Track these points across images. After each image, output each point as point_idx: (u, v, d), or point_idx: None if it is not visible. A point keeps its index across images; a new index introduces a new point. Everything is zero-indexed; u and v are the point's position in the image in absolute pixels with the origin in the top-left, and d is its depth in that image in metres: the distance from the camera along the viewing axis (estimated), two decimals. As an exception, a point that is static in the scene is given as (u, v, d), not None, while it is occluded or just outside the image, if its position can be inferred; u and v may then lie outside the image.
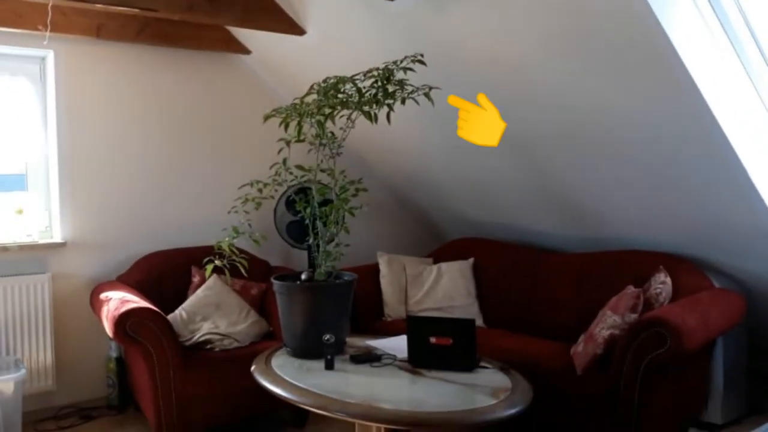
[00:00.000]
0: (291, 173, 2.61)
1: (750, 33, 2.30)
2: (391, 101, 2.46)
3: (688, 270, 2.93)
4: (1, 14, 2.99)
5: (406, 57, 2.47)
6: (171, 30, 3.45)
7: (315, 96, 2.51)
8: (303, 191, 2.93)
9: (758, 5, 2.25)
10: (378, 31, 2.96)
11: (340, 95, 2.47)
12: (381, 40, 2.97)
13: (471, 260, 3.78)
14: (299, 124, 2.50)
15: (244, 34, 3.58)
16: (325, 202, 2.70)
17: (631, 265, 3.08)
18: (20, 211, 3.41)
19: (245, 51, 3.74)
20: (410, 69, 2.47)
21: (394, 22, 2.83)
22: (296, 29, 3.23)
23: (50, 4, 2.88)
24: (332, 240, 2.69)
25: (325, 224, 2.64)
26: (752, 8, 2.25)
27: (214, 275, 3.21)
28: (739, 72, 2.36)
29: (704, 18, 2.22)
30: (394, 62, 2.49)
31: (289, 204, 3.65)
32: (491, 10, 2.46)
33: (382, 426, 2.09)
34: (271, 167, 2.71)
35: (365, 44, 3.08)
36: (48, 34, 3.06)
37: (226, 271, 2.54)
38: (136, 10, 2.95)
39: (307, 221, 2.68)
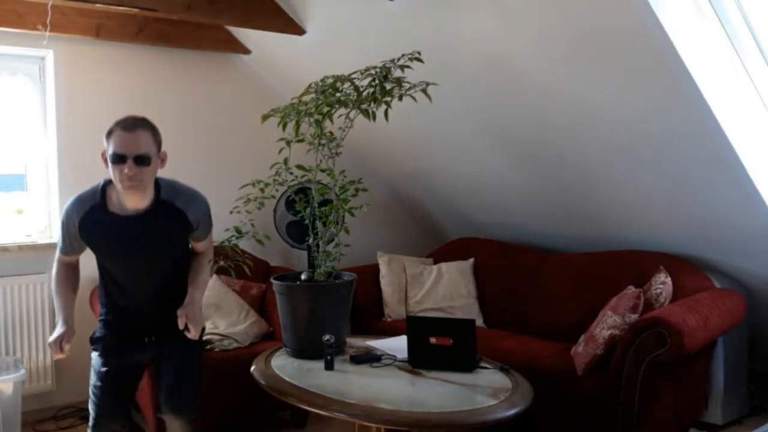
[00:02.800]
0: (291, 173, 2.61)
1: (750, 33, 2.30)
2: (388, 99, 2.45)
3: (689, 270, 2.92)
4: (1, 14, 2.99)
5: (403, 55, 2.47)
6: (170, 30, 3.45)
7: (313, 95, 2.51)
8: (303, 191, 2.93)
9: (758, 5, 2.25)
10: (378, 30, 2.95)
11: (338, 94, 2.47)
12: (381, 40, 2.97)
13: (471, 260, 3.77)
14: (297, 123, 2.50)
15: (244, 34, 3.58)
16: (325, 202, 2.70)
17: (631, 265, 3.08)
18: (20, 211, 3.41)
19: (245, 51, 3.74)
20: (408, 66, 2.47)
21: (394, 21, 2.83)
22: (296, 29, 3.23)
23: (50, 4, 2.88)
24: (332, 240, 2.69)
25: (324, 224, 2.64)
26: (752, 8, 2.25)
27: (214, 275, 3.21)
28: (739, 72, 2.35)
29: (705, 18, 2.21)
30: (392, 60, 2.49)
31: (289, 204, 3.65)
32: (491, 9, 2.46)
33: (382, 426, 2.09)
34: (271, 167, 2.70)
35: (365, 44, 3.07)
36: (48, 34, 3.05)
37: (232, 272, 2.54)
38: (136, 10, 2.95)
39: (306, 221, 2.67)
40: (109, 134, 2.12)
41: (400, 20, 2.80)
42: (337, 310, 2.56)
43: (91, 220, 2.14)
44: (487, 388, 2.19)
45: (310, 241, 2.66)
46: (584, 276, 3.24)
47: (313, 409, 2.08)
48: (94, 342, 2.28)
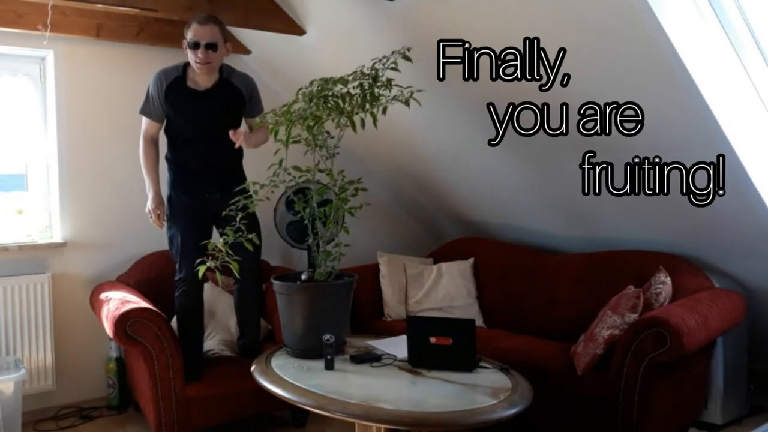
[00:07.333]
0: (289, 174, 2.61)
1: (750, 33, 2.30)
2: (374, 109, 2.44)
3: (688, 270, 2.92)
4: (1, 14, 2.99)
5: (394, 52, 2.45)
6: (170, 30, 3.45)
7: (302, 104, 2.50)
8: (303, 191, 2.93)
9: (758, 5, 2.25)
10: (378, 30, 2.95)
11: (330, 99, 2.45)
12: (381, 40, 2.97)
13: (471, 260, 3.78)
14: (288, 130, 2.49)
15: (244, 34, 3.58)
16: (325, 202, 2.70)
17: (631, 265, 3.08)
18: (20, 211, 3.41)
19: (245, 51, 3.74)
20: (395, 69, 2.45)
21: (395, 21, 2.83)
22: (296, 29, 3.23)
23: (50, 4, 2.88)
24: (332, 240, 2.69)
25: (324, 224, 2.64)
26: (752, 8, 2.25)
27: (210, 282, 3.19)
28: (739, 72, 2.36)
29: (704, 18, 2.22)
30: (380, 60, 2.46)
31: (289, 204, 3.65)
32: (491, 7, 2.45)
33: (382, 426, 2.09)
34: (268, 168, 2.70)
35: (366, 44, 3.07)
36: (48, 34, 3.05)
37: (217, 273, 2.49)
38: (136, 11, 2.95)
39: (306, 221, 2.67)
40: (188, 27, 2.75)
41: (401, 20, 2.80)
42: (337, 310, 2.56)
43: (173, 88, 2.82)
44: (487, 388, 2.19)
45: (310, 241, 2.66)
46: (584, 276, 3.24)
47: (313, 409, 2.09)
48: (168, 203, 2.93)
